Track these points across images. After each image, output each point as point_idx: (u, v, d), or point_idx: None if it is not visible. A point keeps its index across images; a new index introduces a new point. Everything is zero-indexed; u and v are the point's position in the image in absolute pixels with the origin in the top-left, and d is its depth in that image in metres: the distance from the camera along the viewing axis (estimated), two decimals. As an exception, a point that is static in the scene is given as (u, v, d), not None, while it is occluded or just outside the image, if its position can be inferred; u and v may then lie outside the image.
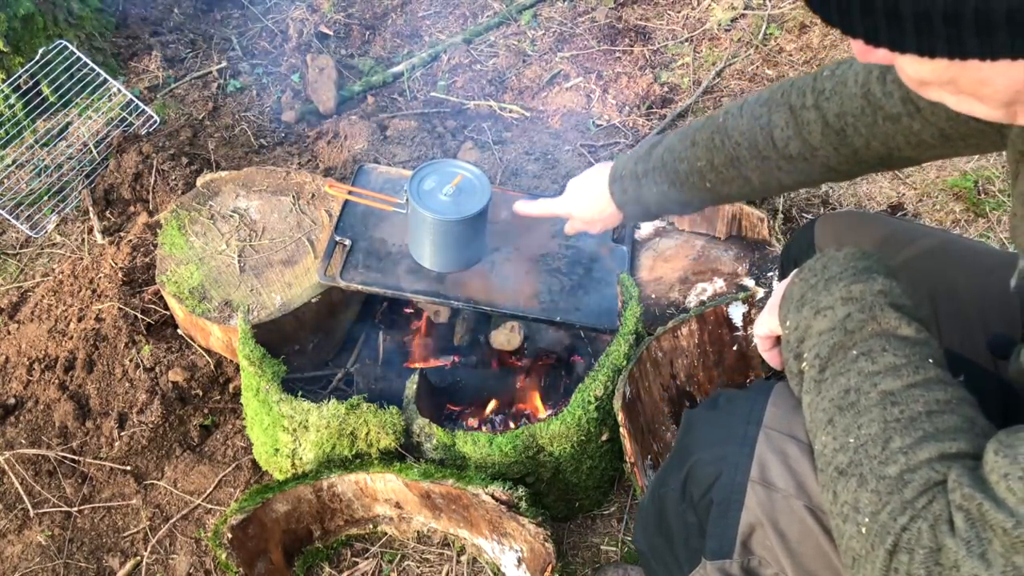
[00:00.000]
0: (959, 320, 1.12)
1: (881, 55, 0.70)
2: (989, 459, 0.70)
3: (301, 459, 1.65)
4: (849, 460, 0.80)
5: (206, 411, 1.88)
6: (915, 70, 0.71)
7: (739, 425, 0.97)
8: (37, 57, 2.45)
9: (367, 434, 1.59)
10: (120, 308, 1.92)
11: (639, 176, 1.38)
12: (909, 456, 0.76)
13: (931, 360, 0.83)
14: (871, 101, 1.07)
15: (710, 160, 1.27)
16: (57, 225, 2.35)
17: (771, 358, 1.11)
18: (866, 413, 0.81)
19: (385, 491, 1.61)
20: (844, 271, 0.92)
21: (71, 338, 1.93)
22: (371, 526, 1.70)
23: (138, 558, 1.72)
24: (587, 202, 1.51)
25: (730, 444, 0.96)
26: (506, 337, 1.86)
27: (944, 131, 1.03)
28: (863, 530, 0.76)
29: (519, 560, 1.55)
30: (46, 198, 2.38)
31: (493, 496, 1.48)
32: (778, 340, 1.08)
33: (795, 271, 0.99)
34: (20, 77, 2.45)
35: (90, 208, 2.33)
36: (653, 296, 1.86)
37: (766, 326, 1.07)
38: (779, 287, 1.04)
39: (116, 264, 2.03)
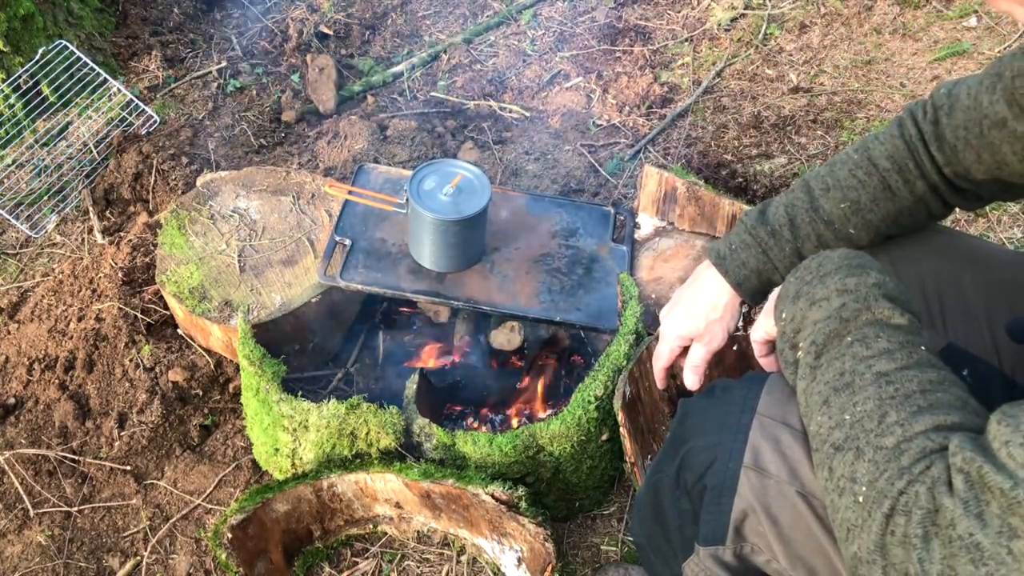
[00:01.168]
0: (965, 316, 1.13)
1: None
2: (992, 428, 0.72)
3: (301, 459, 1.65)
4: (845, 436, 0.82)
5: (206, 411, 1.88)
6: None
7: (733, 413, 0.98)
8: (37, 57, 2.45)
9: (367, 434, 1.59)
10: (120, 308, 1.92)
11: (762, 242, 1.22)
12: (905, 428, 0.78)
13: (923, 347, 0.86)
14: (979, 110, 1.08)
15: (855, 200, 1.17)
16: (57, 225, 2.35)
17: (767, 364, 1.12)
18: (861, 392, 0.83)
19: (385, 491, 1.61)
20: (839, 267, 0.95)
21: (71, 338, 1.93)
22: (371, 526, 1.70)
23: (138, 558, 1.72)
24: (694, 307, 1.29)
25: (724, 431, 0.97)
26: (506, 337, 1.86)
27: None
28: (860, 499, 0.77)
29: (519, 560, 1.55)
30: (46, 198, 2.38)
31: (493, 496, 1.48)
32: (775, 346, 1.09)
33: (790, 272, 1.01)
34: (20, 77, 2.45)
35: (90, 208, 2.33)
36: (653, 296, 1.86)
37: (762, 330, 1.08)
38: (774, 292, 1.05)
39: (116, 264, 2.03)
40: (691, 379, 1.31)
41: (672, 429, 1.09)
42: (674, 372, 1.71)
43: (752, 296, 1.26)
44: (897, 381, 0.82)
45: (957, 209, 1.25)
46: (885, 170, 1.16)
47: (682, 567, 1.05)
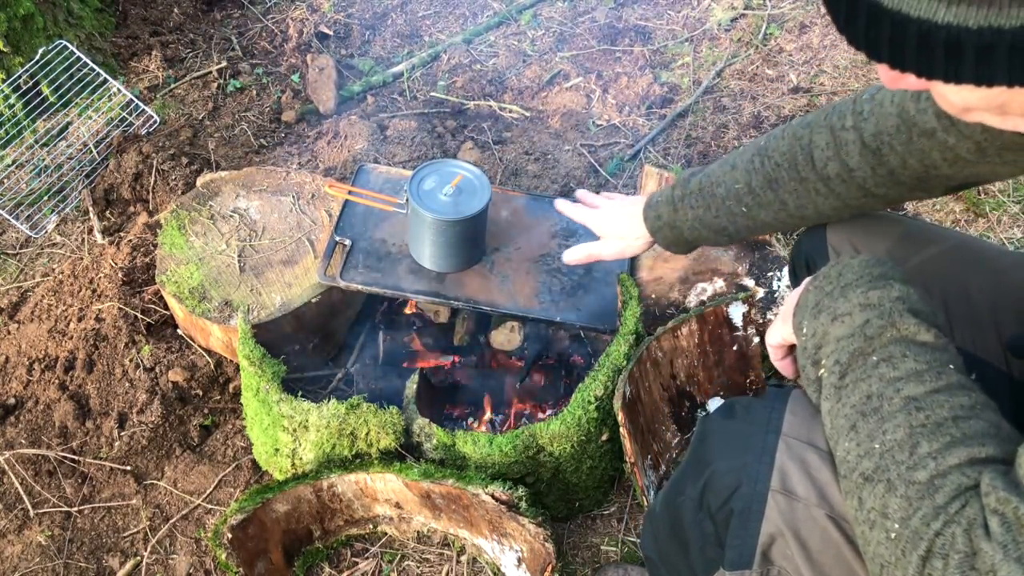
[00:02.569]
0: (971, 320, 1.12)
1: (912, 82, 0.70)
2: (1023, 463, 0.70)
3: (301, 459, 1.65)
4: (875, 466, 0.79)
5: (206, 411, 1.88)
6: (961, 98, 0.70)
7: (758, 434, 0.96)
8: (37, 57, 2.45)
9: (367, 434, 1.59)
10: (120, 308, 1.92)
11: (675, 201, 1.38)
12: (939, 461, 0.75)
13: (951, 366, 0.83)
14: (906, 119, 1.07)
15: (748, 182, 1.26)
16: (57, 225, 2.35)
17: (784, 367, 1.10)
18: (890, 419, 0.80)
19: (385, 491, 1.61)
20: (860, 278, 0.92)
21: (71, 338, 1.93)
22: (371, 526, 1.70)
23: (138, 558, 1.72)
24: (619, 222, 1.51)
25: (749, 453, 0.95)
26: (506, 337, 1.86)
27: (980, 144, 1.02)
28: (892, 536, 0.75)
29: (519, 560, 1.55)
30: (46, 198, 2.38)
31: (493, 496, 1.48)
32: (791, 349, 1.07)
33: (808, 279, 0.99)
34: (20, 77, 2.45)
35: (90, 208, 2.33)
36: (653, 296, 1.86)
37: (779, 335, 1.06)
38: (791, 296, 1.03)
39: (116, 264, 2.03)
40: (569, 256, 1.60)
41: (692, 448, 1.07)
42: (673, 373, 1.72)
43: (668, 245, 1.45)
44: (927, 407, 0.79)
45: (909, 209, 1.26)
46: (775, 165, 1.23)
47: None
